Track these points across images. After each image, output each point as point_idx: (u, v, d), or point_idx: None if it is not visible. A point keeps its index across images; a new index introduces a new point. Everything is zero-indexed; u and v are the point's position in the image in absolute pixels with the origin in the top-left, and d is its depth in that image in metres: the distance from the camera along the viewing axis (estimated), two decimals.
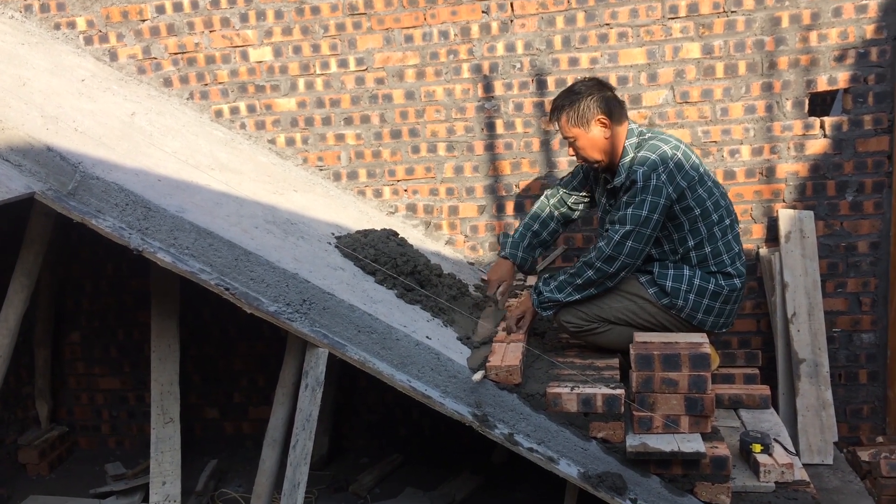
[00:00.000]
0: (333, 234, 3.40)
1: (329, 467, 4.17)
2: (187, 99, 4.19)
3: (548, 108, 3.82)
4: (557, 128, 3.03)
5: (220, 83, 4.15)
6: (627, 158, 2.92)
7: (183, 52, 4.16)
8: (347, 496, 3.86)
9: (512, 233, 3.36)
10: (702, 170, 2.94)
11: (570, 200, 3.30)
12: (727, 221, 2.99)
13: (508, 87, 3.92)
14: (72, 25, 4.24)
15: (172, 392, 3.45)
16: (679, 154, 2.88)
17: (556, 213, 3.32)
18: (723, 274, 2.97)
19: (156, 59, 4.19)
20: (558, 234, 3.37)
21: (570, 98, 2.96)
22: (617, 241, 2.85)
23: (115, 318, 4.46)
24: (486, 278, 3.81)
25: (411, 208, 4.13)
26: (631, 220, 2.83)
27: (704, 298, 2.95)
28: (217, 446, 4.43)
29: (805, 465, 3.24)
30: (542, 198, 3.35)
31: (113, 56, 4.23)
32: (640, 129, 3.01)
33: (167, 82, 4.20)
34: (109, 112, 3.56)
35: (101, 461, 4.34)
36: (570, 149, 3.06)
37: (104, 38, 4.22)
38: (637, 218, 2.83)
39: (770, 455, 2.83)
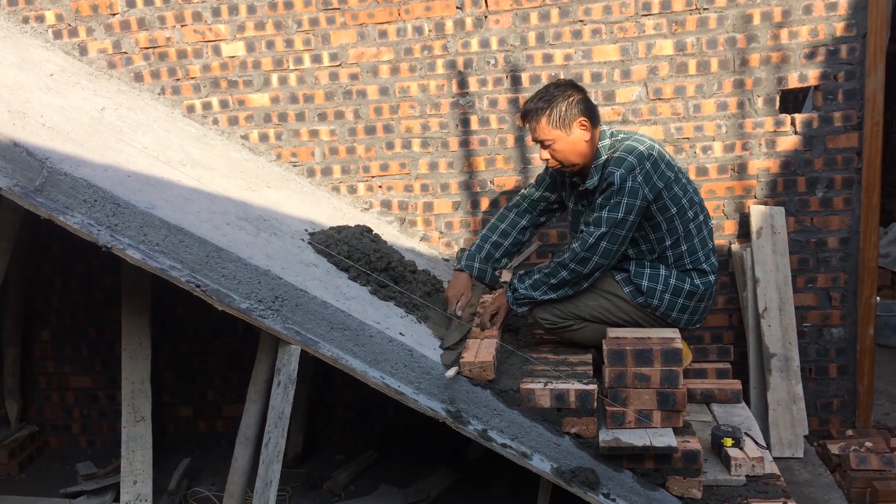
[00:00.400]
0: (307, 230, 3.38)
1: (303, 465, 4.16)
2: (159, 94, 4.14)
3: (522, 104, 3.85)
4: (533, 130, 2.94)
5: (192, 78, 4.11)
6: (601, 160, 2.90)
7: (154, 47, 4.11)
8: (322, 494, 3.84)
9: (468, 247, 3.32)
10: (676, 168, 2.95)
11: (540, 207, 3.26)
12: (701, 218, 3.01)
13: (483, 83, 3.91)
14: (41, 19, 4.17)
15: (144, 390, 3.41)
16: (655, 154, 2.86)
17: (520, 221, 3.25)
18: (698, 271, 2.99)
19: (126, 53, 4.14)
20: (522, 243, 3.29)
21: (548, 100, 2.89)
22: (591, 242, 2.84)
23: (86, 315, 4.41)
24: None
25: (386, 205, 4.11)
26: (606, 223, 2.82)
27: (680, 298, 2.97)
28: (190, 445, 4.39)
29: (776, 459, 3.28)
30: (503, 209, 3.31)
31: (83, 50, 4.17)
32: (611, 130, 3.00)
33: (138, 77, 4.15)
34: (78, 107, 3.50)
35: (72, 461, 4.29)
36: (544, 152, 2.95)
37: (73, 33, 4.16)
38: (612, 220, 2.82)
39: (741, 449, 2.86)
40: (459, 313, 3.17)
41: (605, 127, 2.99)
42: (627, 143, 2.88)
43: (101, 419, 4.51)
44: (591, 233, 2.85)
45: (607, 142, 2.92)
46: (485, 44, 3.86)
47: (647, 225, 2.93)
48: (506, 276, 3.77)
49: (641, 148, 2.85)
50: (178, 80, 4.12)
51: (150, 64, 4.13)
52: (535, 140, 2.97)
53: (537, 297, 2.99)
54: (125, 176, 2.96)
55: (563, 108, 2.87)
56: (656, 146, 2.91)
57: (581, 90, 2.94)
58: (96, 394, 4.49)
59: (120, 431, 3.51)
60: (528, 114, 2.93)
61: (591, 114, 2.90)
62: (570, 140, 2.89)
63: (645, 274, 2.96)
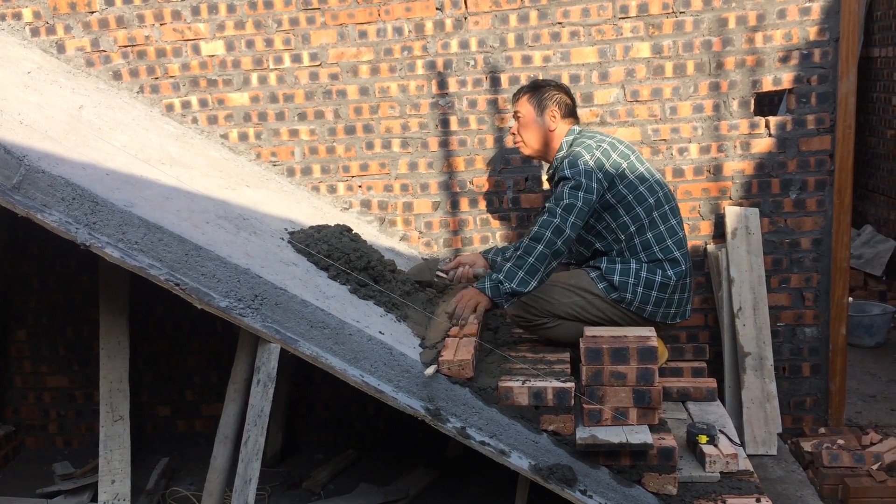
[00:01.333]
0: (287, 229, 3.39)
1: (283, 464, 4.16)
2: (137, 93, 4.13)
3: (502, 105, 3.92)
4: (514, 103, 3.30)
5: (171, 77, 4.10)
6: (562, 153, 3.17)
7: (133, 45, 4.09)
8: (301, 493, 3.85)
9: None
10: (632, 157, 3.12)
11: None
12: (666, 207, 3.12)
13: (462, 83, 3.94)
14: (18, 16, 4.14)
15: (122, 389, 3.40)
16: (605, 145, 3.10)
17: None
18: (669, 261, 3.06)
19: (105, 51, 4.12)
20: None
21: (539, 86, 3.28)
22: (561, 214, 2.91)
23: (64, 315, 4.38)
24: (440, 273, 3.83)
25: (366, 204, 4.13)
26: (570, 196, 2.95)
27: (653, 291, 3.02)
28: (169, 445, 4.38)
29: (750, 456, 3.33)
30: None
31: (60, 48, 4.15)
32: (580, 130, 3.24)
33: (117, 75, 4.13)
34: (56, 105, 3.49)
35: (49, 461, 4.26)
36: (514, 124, 3.32)
37: (51, 30, 4.14)
38: (575, 195, 2.95)
39: (715, 446, 2.91)
40: (443, 274, 3.45)
41: (576, 128, 3.25)
42: (582, 138, 3.16)
43: (79, 419, 4.48)
44: (559, 205, 2.92)
45: (571, 138, 3.20)
46: (464, 45, 3.89)
47: (607, 214, 3.08)
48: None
49: (590, 141, 3.12)
50: (157, 78, 4.11)
51: (129, 62, 4.12)
52: (514, 114, 3.33)
53: (518, 290, 2.90)
54: (104, 174, 2.96)
55: (546, 95, 3.23)
56: (607, 139, 3.17)
57: (566, 91, 3.29)
58: (73, 394, 4.46)
59: (97, 431, 3.50)
60: (519, 90, 3.32)
61: (564, 111, 3.24)
62: (536, 119, 3.23)
63: (616, 269, 3.04)
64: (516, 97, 3.30)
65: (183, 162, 3.57)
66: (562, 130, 3.24)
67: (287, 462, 4.19)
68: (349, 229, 3.49)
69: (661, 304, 3.05)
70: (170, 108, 4.12)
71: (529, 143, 3.28)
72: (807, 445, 3.71)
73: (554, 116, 3.21)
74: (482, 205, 4.05)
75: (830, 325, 3.88)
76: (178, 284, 2.71)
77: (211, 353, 4.32)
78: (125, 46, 4.10)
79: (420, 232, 4.11)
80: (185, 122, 4.12)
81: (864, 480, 3.48)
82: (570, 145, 3.17)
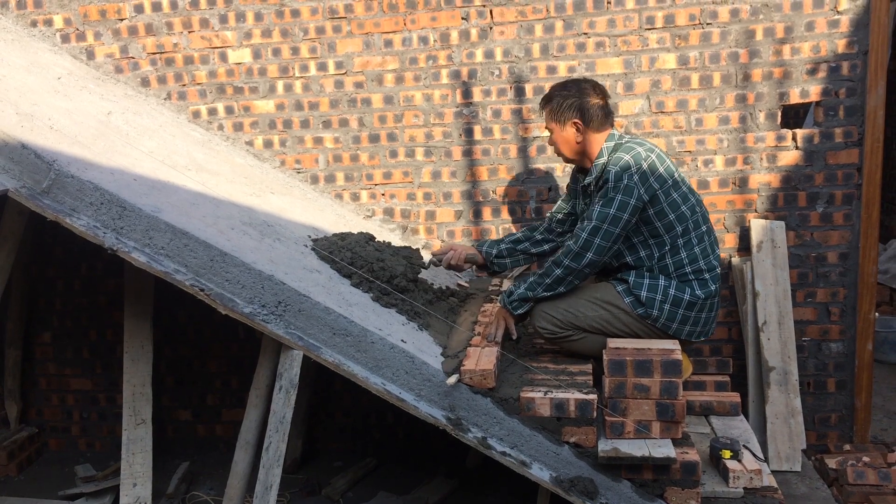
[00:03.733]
0: (310, 236, 3.40)
1: (302, 470, 4.16)
2: (165, 99, 4.17)
3: (526, 115, 3.91)
4: (542, 114, 3.16)
5: (198, 84, 4.14)
6: (602, 160, 3.00)
7: (161, 52, 4.14)
8: (320, 500, 3.85)
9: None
10: (676, 175, 2.99)
11: (557, 219, 3.35)
12: (703, 228, 3.03)
13: (487, 93, 3.94)
14: (49, 23, 4.21)
15: (145, 393, 3.42)
16: (653, 156, 2.93)
17: (540, 228, 3.39)
18: (699, 281, 3.00)
19: (133, 58, 4.17)
20: (538, 247, 3.38)
21: (559, 93, 3.07)
22: (585, 238, 2.89)
23: (88, 318, 4.42)
24: (462, 282, 3.85)
25: (388, 212, 4.14)
26: (598, 217, 2.88)
27: (680, 308, 2.98)
28: (189, 449, 4.40)
29: (773, 472, 3.29)
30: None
31: (90, 55, 4.20)
32: (621, 134, 3.08)
33: (145, 82, 4.18)
34: (85, 111, 3.53)
35: (71, 463, 4.30)
36: (549, 139, 3.18)
37: (81, 37, 4.19)
38: (605, 215, 2.87)
39: (739, 461, 2.87)
40: (429, 259, 3.43)
41: (616, 132, 3.07)
42: (628, 144, 2.98)
43: (101, 422, 4.52)
44: (584, 228, 2.91)
45: (612, 144, 3.03)
46: (489, 55, 3.90)
47: (646, 229, 2.98)
48: (506, 285, 3.80)
49: (640, 149, 2.94)
50: (184, 85, 4.15)
51: (157, 69, 4.16)
52: (545, 126, 3.18)
53: (531, 296, 3.02)
54: (131, 179, 2.99)
55: (564, 106, 3.04)
56: (656, 150, 2.98)
57: (595, 95, 3.05)
58: (96, 396, 4.50)
59: (119, 434, 3.52)
60: (544, 98, 3.13)
61: (587, 118, 3.02)
62: (562, 135, 3.08)
63: (644, 284, 2.98)
64: (542, 107, 3.14)
65: (209, 168, 3.60)
66: (596, 139, 3.04)
67: (306, 469, 4.19)
68: (373, 237, 3.49)
69: (688, 322, 3.01)
70: (196, 114, 4.16)
71: (564, 152, 3.14)
72: (831, 462, 3.66)
73: (578, 127, 3.03)
74: (505, 214, 4.05)
75: (857, 340, 3.83)
76: (202, 290, 2.73)
77: (232, 359, 4.35)
78: (153, 53, 4.15)
79: (442, 241, 4.11)
80: (210, 128, 4.15)
81: (890, 499, 3.42)
82: (613, 150, 2.98)
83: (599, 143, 3.05)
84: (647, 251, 3.01)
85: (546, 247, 3.38)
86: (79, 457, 4.42)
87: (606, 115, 3.06)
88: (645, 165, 2.90)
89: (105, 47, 4.19)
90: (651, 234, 2.99)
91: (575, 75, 3.83)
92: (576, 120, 3.03)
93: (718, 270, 3.06)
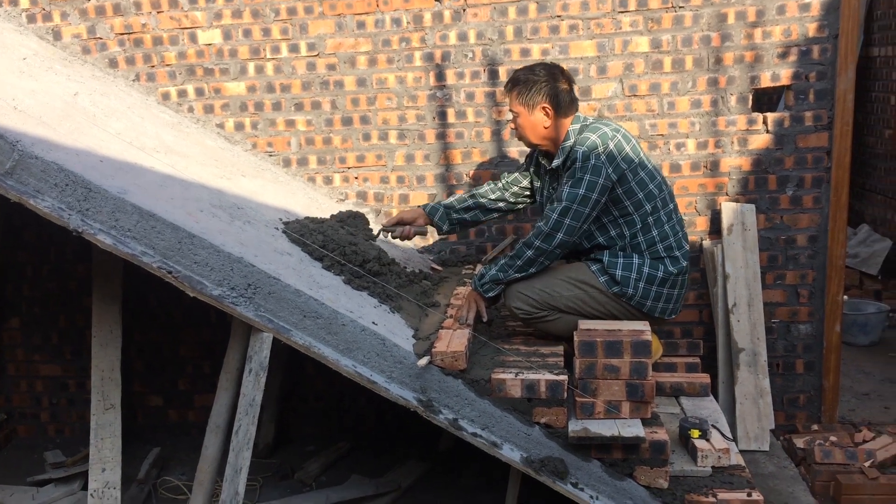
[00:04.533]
0: (281, 219, 3.37)
1: (275, 455, 4.15)
2: (133, 81, 4.11)
3: (499, 98, 3.89)
4: (507, 97, 3.14)
5: (167, 65, 4.08)
6: (569, 142, 3.03)
7: (129, 33, 4.07)
8: (293, 484, 3.84)
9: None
10: (641, 155, 3.03)
11: (511, 190, 3.40)
12: (671, 206, 3.08)
13: (460, 76, 3.92)
14: (14, 3, 4.12)
15: (114, 378, 3.38)
16: (619, 136, 2.98)
17: (492, 195, 3.43)
18: (671, 258, 3.04)
19: (101, 39, 4.10)
20: (488, 214, 3.46)
21: (527, 77, 3.07)
22: (555, 219, 2.91)
23: (57, 303, 4.37)
24: (435, 266, 3.85)
25: (362, 196, 4.11)
26: (568, 198, 2.90)
27: (654, 286, 3.01)
28: (161, 434, 4.37)
29: (742, 452, 3.33)
30: (485, 185, 3.49)
31: (57, 35, 4.13)
32: (585, 116, 3.12)
33: (113, 63, 4.11)
34: (51, 92, 3.47)
35: (40, 449, 4.25)
36: (511, 123, 3.20)
37: (48, 17, 4.11)
38: (575, 196, 2.90)
39: (708, 440, 2.90)
40: (378, 231, 3.50)
41: (581, 115, 3.11)
42: (594, 125, 3.01)
43: (71, 408, 4.47)
44: (554, 209, 2.93)
45: (577, 126, 3.06)
46: (463, 37, 3.87)
47: (615, 209, 3.01)
48: (478, 270, 3.80)
49: (606, 129, 2.98)
50: (153, 66, 4.09)
51: (125, 50, 4.10)
52: (509, 108, 3.17)
53: (502, 278, 3.03)
54: (97, 161, 2.94)
55: (534, 90, 3.04)
56: (622, 130, 3.03)
57: (563, 80, 3.07)
58: (66, 382, 4.45)
59: (89, 420, 3.48)
60: (509, 81, 3.13)
61: (556, 102, 3.04)
62: (530, 119, 3.08)
63: (619, 264, 3.01)
64: (508, 90, 3.11)
65: (178, 150, 3.55)
66: (563, 124, 3.07)
67: (279, 453, 4.18)
68: (358, 215, 3.48)
69: (661, 298, 3.04)
70: (166, 96, 4.10)
71: (528, 137, 3.15)
72: (799, 442, 3.71)
73: (546, 112, 3.04)
74: None
75: (825, 322, 3.88)
76: (170, 272, 2.70)
77: (204, 344, 4.31)
78: (122, 34, 4.08)
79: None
80: (181, 110, 4.10)
81: (856, 477, 3.48)
82: (579, 132, 3.01)
83: (566, 127, 3.08)
84: (618, 230, 3.04)
85: (495, 215, 3.48)
86: (48, 443, 4.38)
87: (572, 101, 3.09)
88: (611, 145, 2.93)
89: (72, 27, 4.11)
90: (621, 213, 3.01)
91: (548, 58, 3.82)
92: (545, 105, 3.04)
93: (687, 247, 3.11)
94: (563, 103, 3.05)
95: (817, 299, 3.89)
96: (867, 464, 3.56)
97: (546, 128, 3.08)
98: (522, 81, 3.06)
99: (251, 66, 4.04)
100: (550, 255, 2.97)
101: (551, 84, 3.03)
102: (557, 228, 2.92)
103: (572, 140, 3.01)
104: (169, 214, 2.77)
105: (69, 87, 3.64)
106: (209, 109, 4.10)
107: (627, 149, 2.96)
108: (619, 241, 3.04)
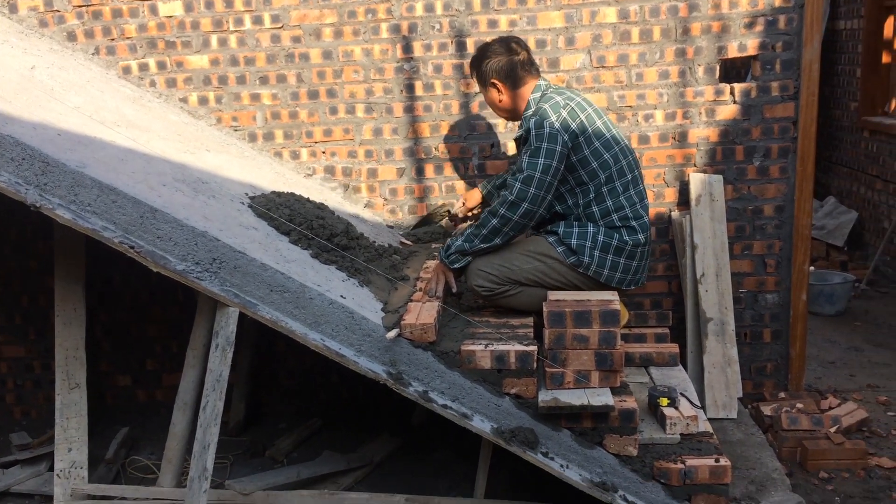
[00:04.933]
0: (247, 194, 3.32)
1: (246, 433, 4.11)
2: (93, 54, 4.00)
3: (467, 70, 3.83)
4: None
5: (127, 38, 3.98)
6: (529, 111, 3.07)
7: (88, 6, 3.96)
8: (264, 461, 3.82)
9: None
10: (599, 123, 3.05)
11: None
12: (629, 176, 3.09)
13: (428, 48, 3.88)
14: None
15: (78, 357, 3.32)
16: (572, 104, 3.02)
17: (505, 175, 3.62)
18: (627, 228, 3.05)
19: (59, 11, 3.99)
20: None
21: (478, 55, 3.22)
22: (519, 188, 2.91)
23: (20, 284, 4.28)
24: (405, 240, 3.83)
25: (329, 171, 4.07)
26: (529, 167, 2.92)
27: (609, 254, 3.02)
28: (130, 415, 4.31)
29: (710, 420, 3.36)
30: None
31: (13, 8, 4.01)
32: (547, 84, 3.14)
33: (71, 36, 4.01)
34: (7, 65, 3.37)
35: (6, 431, 4.17)
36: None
37: None
38: (535, 165, 2.91)
39: (676, 408, 2.93)
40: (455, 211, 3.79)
41: (542, 83, 3.13)
42: (549, 94, 3.06)
43: (36, 389, 4.40)
44: (517, 178, 2.93)
45: (538, 95, 3.09)
46: (430, 8, 3.82)
47: (571, 178, 3.04)
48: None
49: (558, 98, 3.03)
50: (112, 40, 3.99)
51: (84, 23, 3.99)
52: None
53: (468, 249, 3.02)
54: (55, 134, 2.87)
55: (484, 69, 3.17)
56: (576, 98, 3.07)
57: (513, 51, 3.14)
58: (31, 363, 4.37)
59: (55, 401, 3.43)
60: (469, 64, 3.31)
61: (506, 75, 3.13)
62: (488, 97, 3.24)
63: (574, 233, 3.03)
64: (471, 72, 3.29)
65: (140, 125, 3.48)
66: (520, 94, 3.14)
67: (251, 431, 4.15)
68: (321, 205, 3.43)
69: (618, 268, 3.04)
70: (126, 70, 4.01)
71: (495, 111, 3.32)
72: (767, 409, 3.76)
73: (497, 87, 3.15)
74: (448, 171, 4.02)
75: (792, 291, 3.91)
76: (132, 247, 2.65)
77: (172, 322, 4.26)
78: (80, 6, 3.97)
79: (385, 199, 4.06)
80: (142, 84, 4.01)
81: (822, 443, 3.54)
82: (538, 102, 3.06)
83: (525, 97, 3.15)
84: (574, 199, 3.07)
85: None
86: (14, 425, 4.30)
87: (527, 70, 3.15)
88: (564, 113, 2.98)
89: (28, 0, 3.99)
90: (576, 181, 3.04)
91: (516, 30, 3.79)
92: (494, 80, 3.15)
93: (646, 220, 3.12)
94: (515, 75, 3.12)
95: (784, 269, 3.93)
96: (833, 430, 3.62)
97: (501, 101, 3.19)
98: (474, 61, 3.21)
99: (214, 39, 3.95)
100: (516, 226, 2.96)
101: (499, 58, 3.13)
102: (522, 197, 2.91)
103: (532, 109, 3.06)
104: (130, 189, 2.72)
105: (26, 60, 3.54)
106: (172, 83, 4.02)
107: (582, 117, 3.01)
108: (575, 209, 3.07)
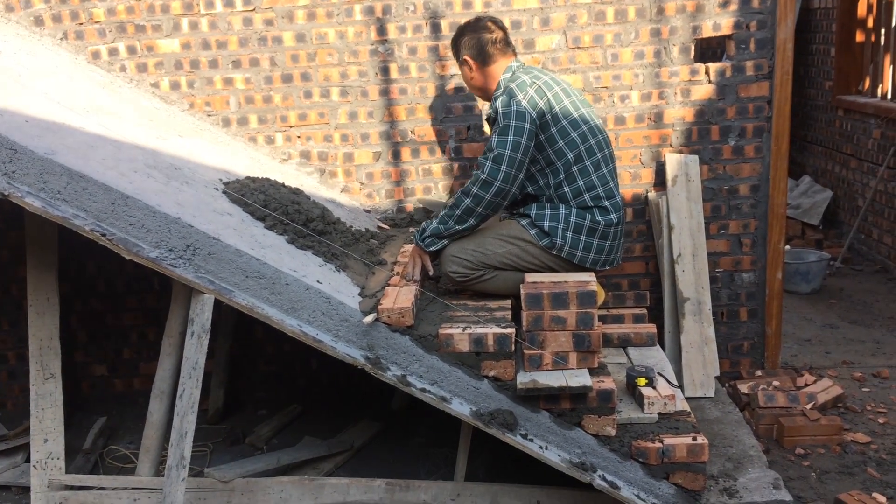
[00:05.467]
0: (221, 180, 3.29)
1: (226, 421, 4.10)
2: (61, 39, 3.93)
3: (442, 52, 3.84)
4: None
5: (96, 22, 3.91)
6: (499, 91, 3.07)
7: None
8: (244, 448, 3.80)
9: None
10: (566, 101, 3.05)
11: None
12: (598, 156, 3.08)
13: (402, 30, 3.84)
14: None
15: (53, 347, 3.27)
16: (539, 83, 3.03)
17: None
18: (599, 208, 3.05)
19: None
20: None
21: (457, 34, 3.24)
22: (490, 166, 2.90)
23: None
24: (382, 224, 3.81)
25: (305, 155, 4.03)
26: (499, 145, 2.91)
27: (581, 235, 3.03)
28: (107, 404, 4.28)
29: (688, 399, 3.38)
30: None
31: None
32: (519, 65, 3.15)
33: (38, 21, 3.93)
34: None
35: None
36: None
37: None
38: (504, 143, 2.91)
39: (654, 388, 2.95)
40: None
41: (515, 63, 3.14)
42: (516, 73, 3.08)
43: (12, 381, 4.34)
44: (487, 157, 2.93)
45: (508, 75, 3.10)
46: None
47: (541, 157, 3.04)
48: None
49: (525, 77, 3.04)
50: (81, 24, 3.92)
51: (51, 7, 3.91)
52: None
53: (443, 230, 3.01)
54: (23, 121, 2.81)
55: (458, 45, 3.22)
56: (544, 77, 3.08)
57: (485, 29, 3.16)
58: (5, 355, 4.32)
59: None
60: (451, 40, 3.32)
61: (480, 53, 3.15)
62: (463, 72, 3.27)
63: (546, 215, 3.04)
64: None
65: (110, 111, 3.42)
66: (491, 73, 3.16)
67: (230, 419, 4.13)
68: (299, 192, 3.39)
69: (591, 249, 3.05)
70: (96, 55, 3.94)
71: (471, 89, 3.35)
72: (743, 387, 3.80)
73: (469, 64, 3.18)
74: (424, 154, 4.00)
75: (767, 270, 3.95)
76: (104, 234, 2.60)
77: (148, 311, 4.22)
78: None
79: (361, 183, 4.04)
80: (112, 70, 3.95)
81: (798, 419, 3.58)
82: (508, 81, 3.06)
83: (496, 76, 3.17)
84: (545, 179, 3.07)
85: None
86: None
87: (499, 48, 3.15)
88: (531, 91, 3.00)
89: None
90: (546, 161, 3.05)
91: (490, 10, 3.76)
92: (466, 57, 3.18)
93: (618, 199, 3.12)
94: (485, 52, 3.14)
95: (759, 248, 3.95)
96: (808, 406, 3.67)
97: (473, 79, 3.22)
98: (454, 38, 3.24)
99: (185, 23, 3.89)
100: (490, 205, 2.94)
101: (471, 36, 3.15)
102: (494, 176, 2.90)
103: (501, 89, 3.06)
104: (101, 175, 2.67)
105: None
106: (142, 68, 3.95)
107: (549, 95, 3.02)
108: (546, 190, 3.07)
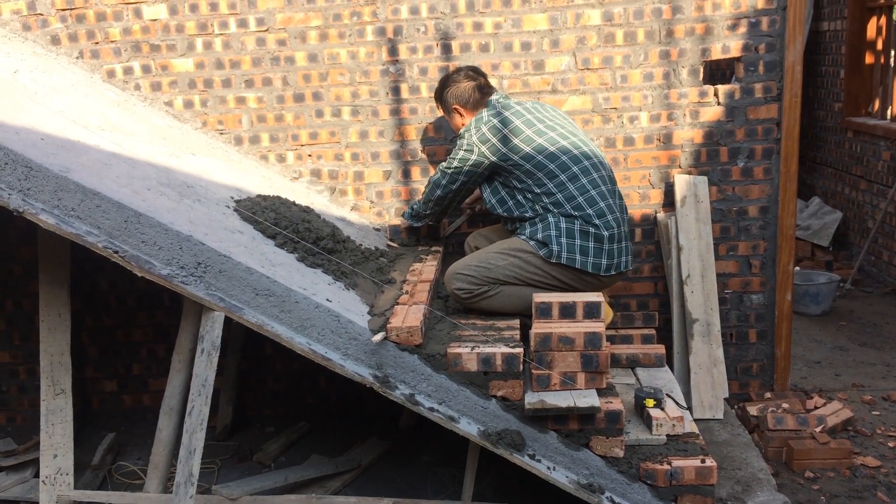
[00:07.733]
0: (233, 198, 3.31)
1: (233, 437, 4.11)
2: (77, 58, 3.98)
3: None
4: None
5: (111, 42, 3.96)
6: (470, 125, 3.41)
7: (71, 9, 3.94)
8: (252, 465, 3.81)
9: None
10: (529, 133, 3.23)
11: None
12: (574, 169, 3.19)
13: (413, 50, 3.88)
14: None
15: (63, 362, 3.30)
16: (496, 120, 3.25)
17: None
18: (582, 218, 3.14)
19: (42, 15, 3.97)
20: None
21: (440, 86, 3.52)
22: (436, 178, 3.46)
23: (4, 289, 4.25)
24: (392, 243, 3.84)
25: (316, 174, 4.06)
26: (444, 165, 3.40)
27: (575, 239, 3.11)
28: (116, 420, 4.29)
29: (697, 420, 3.38)
30: None
31: None
32: (498, 100, 3.37)
33: (55, 40, 3.99)
34: None
35: None
36: None
37: None
38: (450, 164, 3.36)
39: (662, 409, 2.94)
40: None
41: (493, 99, 3.39)
42: (481, 111, 3.36)
43: (22, 395, 4.37)
44: (440, 169, 3.43)
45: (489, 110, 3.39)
46: (415, 10, 3.83)
47: (521, 185, 3.23)
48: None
49: (485, 114, 3.32)
50: (97, 43, 3.97)
51: (68, 26, 3.97)
52: None
53: (415, 210, 3.70)
54: (38, 139, 2.85)
55: (445, 97, 3.50)
56: (503, 115, 3.27)
57: (464, 79, 3.45)
58: (16, 369, 4.34)
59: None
60: (434, 94, 3.63)
61: (465, 101, 3.45)
62: (453, 122, 3.56)
63: (538, 228, 3.17)
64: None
65: (124, 128, 3.46)
66: (475, 114, 3.44)
67: (238, 436, 4.14)
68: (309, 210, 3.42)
69: (588, 253, 3.11)
70: (111, 74, 3.99)
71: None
72: (752, 409, 3.78)
73: (459, 112, 3.46)
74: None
75: (776, 291, 3.94)
76: (116, 252, 2.63)
77: (158, 327, 4.24)
78: (63, 10, 3.95)
79: (371, 202, 4.06)
80: (127, 88, 3.99)
81: (808, 442, 3.56)
82: (480, 117, 3.36)
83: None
84: (531, 203, 3.23)
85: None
86: (0, 432, 4.28)
87: (483, 94, 3.43)
88: (485, 129, 3.25)
89: (11, 3, 3.97)
90: (527, 188, 3.22)
91: (501, 32, 3.80)
92: (455, 106, 3.46)
93: (610, 218, 3.17)
94: (471, 99, 3.43)
95: (769, 269, 3.95)
96: (818, 429, 3.65)
97: (462, 124, 3.48)
98: (437, 90, 3.54)
99: (199, 42, 3.94)
100: (437, 202, 3.52)
101: (453, 87, 3.45)
102: (437, 185, 3.45)
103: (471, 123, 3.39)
104: (114, 193, 2.70)
105: (8, 64, 3.52)
106: (157, 87, 4.00)
107: (505, 132, 3.22)
108: (532, 212, 3.22)
